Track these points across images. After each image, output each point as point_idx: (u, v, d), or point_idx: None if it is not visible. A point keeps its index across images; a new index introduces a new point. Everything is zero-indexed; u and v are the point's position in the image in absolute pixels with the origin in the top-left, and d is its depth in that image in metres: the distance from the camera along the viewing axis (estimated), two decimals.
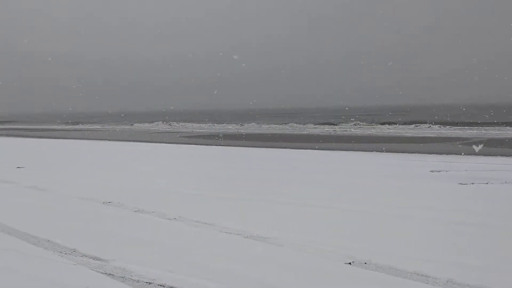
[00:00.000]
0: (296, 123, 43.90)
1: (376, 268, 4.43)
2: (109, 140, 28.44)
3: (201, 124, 51.06)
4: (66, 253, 5.00)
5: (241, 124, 48.52)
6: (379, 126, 37.59)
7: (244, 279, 4.15)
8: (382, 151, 17.27)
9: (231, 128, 43.54)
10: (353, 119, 44.40)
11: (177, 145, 23.25)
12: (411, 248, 4.96)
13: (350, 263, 4.56)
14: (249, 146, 21.29)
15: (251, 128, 42.49)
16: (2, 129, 51.87)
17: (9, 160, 14.76)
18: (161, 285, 4.07)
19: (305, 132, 33.84)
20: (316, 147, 19.68)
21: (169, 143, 24.78)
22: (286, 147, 20.25)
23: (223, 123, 53.24)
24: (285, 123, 45.15)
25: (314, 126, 40.62)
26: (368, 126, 37.95)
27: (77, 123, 65.47)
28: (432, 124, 35.17)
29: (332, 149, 18.63)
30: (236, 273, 4.27)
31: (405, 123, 37.99)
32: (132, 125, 55.78)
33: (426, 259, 4.59)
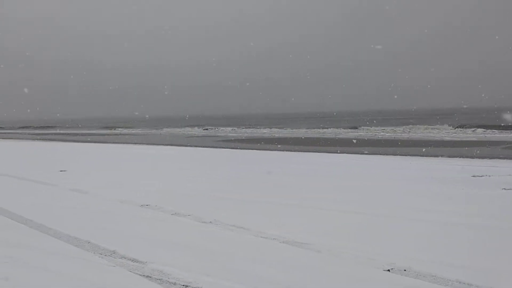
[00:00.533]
0: (335, 128, 43.46)
1: (416, 275, 4.29)
2: (148, 144, 29.04)
3: (235, 128, 51.55)
4: (106, 255, 5.11)
5: (275, 128, 48.61)
6: (430, 128, 36.38)
7: (281, 285, 4.11)
8: (422, 156, 16.84)
9: (266, 132, 43.61)
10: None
11: (213, 149, 23.48)
12: (452, 255, 4.78)
13: (389, 270, 4.44)
14: (286, 150, 21.22)
15: (285, 132, 42.40)
16: (44, 134, 54.00)
17: (52, 164, 15.31)
18: None
19: (342, 136, 33.45)
20: (356, 152, 19.40)
21: (206, 147, 25.06)
22: (324, 152, 20.02)
23: (254, 127, 53.57)
24: (325, 127, 44.76)
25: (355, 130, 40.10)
26: (414, 130, 36.64)
27: (114, 128, 67.42)
28: (476, 127, 34.01)
29: (373, 154, 18.32)
30: (273, 279, 4.24)
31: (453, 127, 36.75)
32: (162, 129, 57.24)
33: (469, 267, 4.42)
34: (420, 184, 9.49)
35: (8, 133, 62.52)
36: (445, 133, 32.79)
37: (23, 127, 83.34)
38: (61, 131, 63.04)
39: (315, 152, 19.78)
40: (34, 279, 4.36)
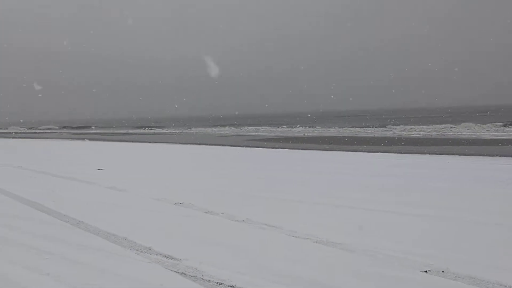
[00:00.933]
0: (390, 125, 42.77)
1: (454, 277, 4.18)
2: (182, 143, 29.45)
3: (265, 127, 51.68)
4: (142, 251, 5.22)
5: (302, 127, 48.33)
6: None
7: (316, 285, 4.09)
8: (461, 154, 16.36)
9: (300, 131, 43.40)
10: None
11: (244, 148, 23.55)
12: (493, 257, 4.63)
13: (426, 271, 4.34)
14: (319, 150, 21.08)
15: (320, 131, 42.07)
16: (83, 134, 55.64)
17: (89, 162, 15.75)
18: (231, 286, 4.12)
19: (377, 135, 32.90)
20: (390, 151, 19.06)
21: (237, 146, 25.17)
22: (361, 151, 19.77)
23: (281, 125, 53.58)
24: (352, 126, 44.22)
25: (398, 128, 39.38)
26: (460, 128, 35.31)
27: (147, 127, 68.80)
28: None
29: (406, 152, 17.94)
30: (307, 279, 4.23)
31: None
32: (191, 128, 58.14)
33: (510, 269, 4.26)
34: (459, 184, 9.23)
35: (49, 132, 64.83)
36: (486, 131, 31.68)
37: (64, 127, 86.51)
38: (99, 131, 64.81)
39: (351, 151, 19.54)
40: (73, 274, 4.50)
